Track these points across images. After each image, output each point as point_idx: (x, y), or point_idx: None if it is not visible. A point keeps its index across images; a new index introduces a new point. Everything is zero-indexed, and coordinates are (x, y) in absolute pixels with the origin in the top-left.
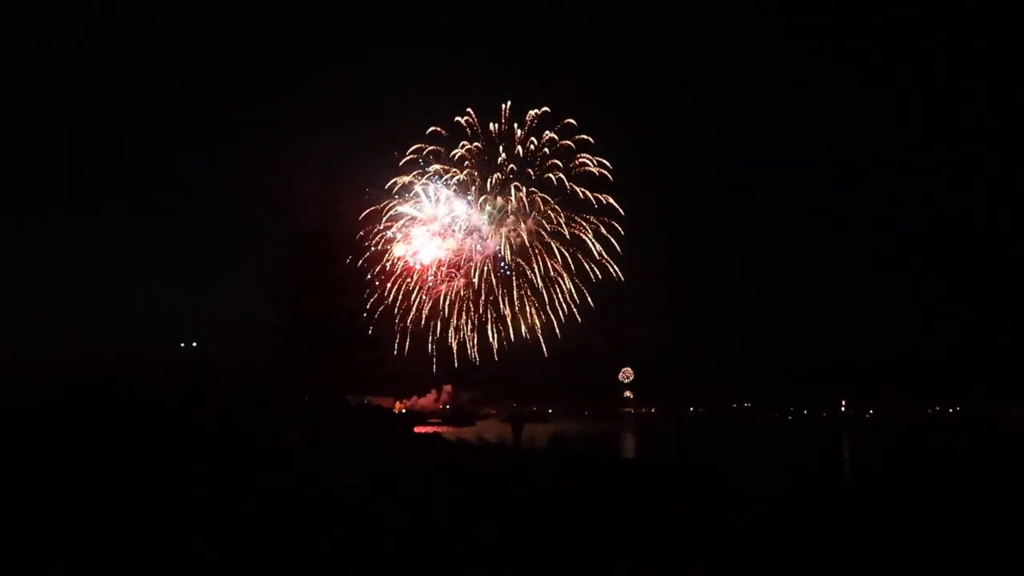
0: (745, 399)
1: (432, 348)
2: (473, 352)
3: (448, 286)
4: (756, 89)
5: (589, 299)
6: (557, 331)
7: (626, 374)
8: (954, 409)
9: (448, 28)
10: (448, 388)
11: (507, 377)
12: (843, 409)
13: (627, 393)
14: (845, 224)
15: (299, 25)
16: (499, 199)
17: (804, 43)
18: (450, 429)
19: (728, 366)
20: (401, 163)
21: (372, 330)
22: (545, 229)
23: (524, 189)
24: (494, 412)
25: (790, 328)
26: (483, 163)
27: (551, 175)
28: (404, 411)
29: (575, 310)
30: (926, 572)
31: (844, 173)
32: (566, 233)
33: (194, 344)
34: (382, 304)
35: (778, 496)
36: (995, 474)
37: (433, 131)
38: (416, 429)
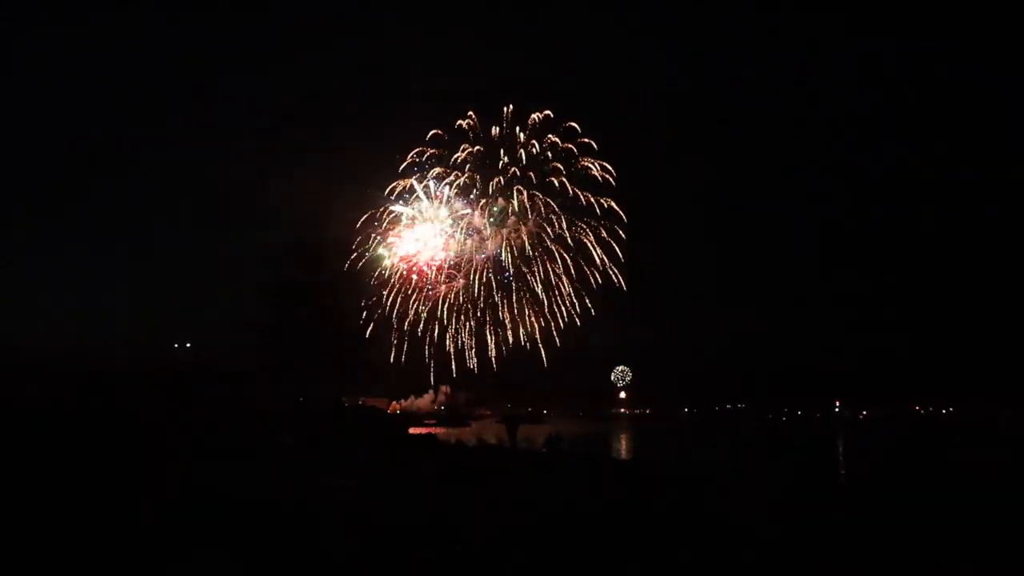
0: (739, 400)
1: (429, 353)
2: (471, 357)
3: (448, 287)
4: (758, 92)
5: (589, 304)
6: (556, 338)
7: (621, 373)
8: (947, 410)
9: (450, 29)
10: (445, 389)
11: (504, 379)
12: (836, 410)
13: (622, 394)
14: (843, 226)
15: (299, 25)
16: (500, 202)
17: (807, 47)
18: (445, 430)
19: (723, 367)
20: (402, 167)
21: (370, 332)
22: (546, 233)
23: (525, 192)
24: (489, 413)
25: (785, 329)
26: (484, 166)
27: (553, 179)
28: (399, 411)
29: (575, 316)
30: (924, 572)
31: (841, 177)
32: (568, 237)
33: (188, 345)
34: (380, 307)
35: (774, 496)
36: (991, 475)
37: (434, 134)
38: (411, 430)
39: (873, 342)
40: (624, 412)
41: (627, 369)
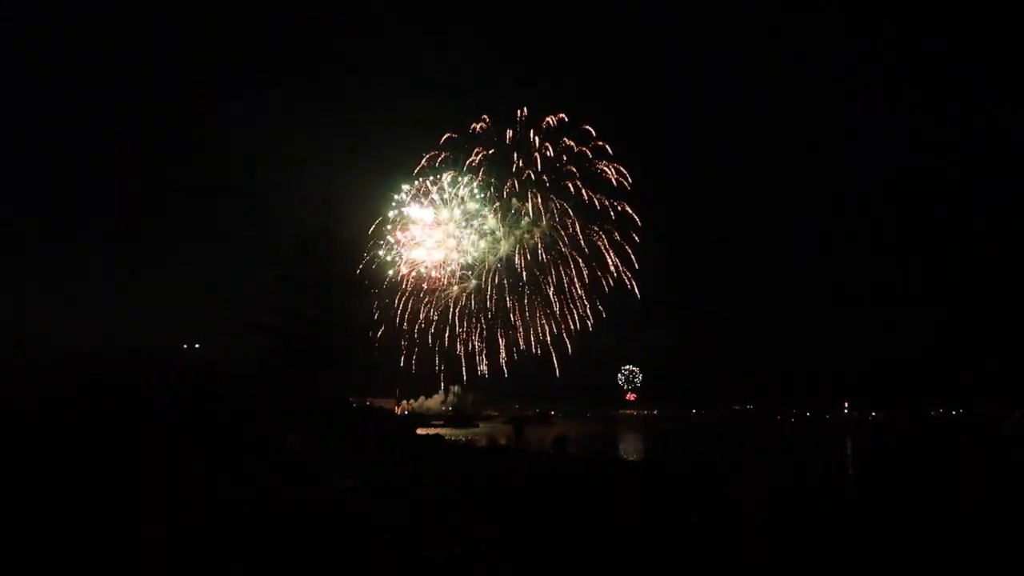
0: (748, 401)
1: (438, 355)
2: (482, 361)
3: (461, 288)
4: (763, 100)
5: (601, 309)
6: (568, 345)
7: (629, 374)
8: (957, 411)
9: (464, 33)
10: (455, 389)
11: (514, 382)
12: (846, 411)
13: (629, 396)
14: (853, 227)
15: (312, 27)
16: (514, 204)
17: (816, 55)
18: (452, 431)
19: (731, 368)
20: (416, 171)
21: (382, 333)
22: (560, 236)
23: (539, 196)
24: (496, 414)
25: (794, 331)
26: (498, 169)
27: (567, 182)
28: (407, 412)
29: (587, 321)
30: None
31: (847, 182)
32: (581, 241)
33: (196, 345)
34: (392, 309)
35: (780, 498)
36: (997, 475)
37: (448, 137)
38: (418, 431)
39: (883, 344)
40: (632, 413)
41: (636, 369)
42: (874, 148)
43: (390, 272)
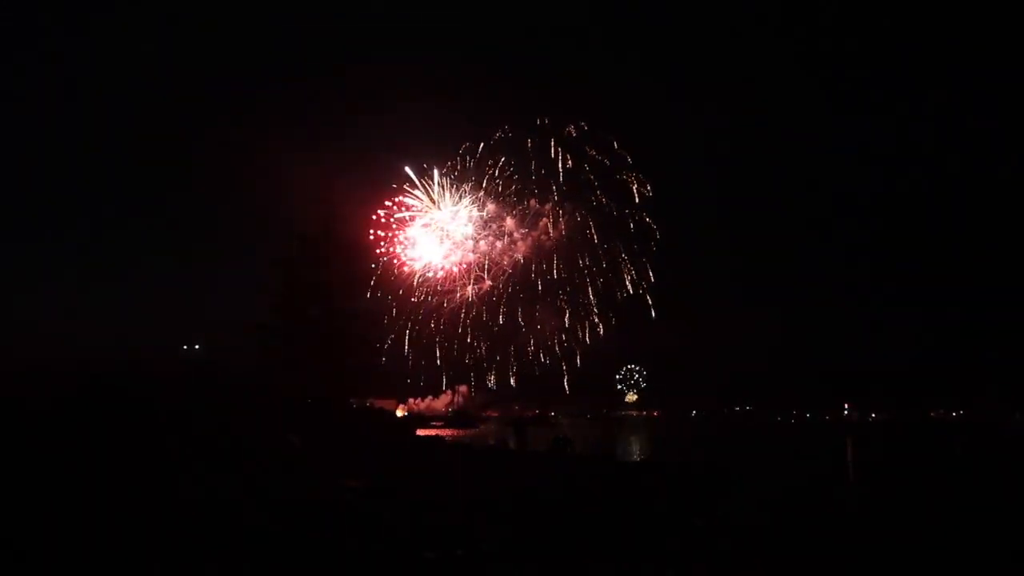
0: (748, 402)
1: (444, 359)
2: (490, 369)
3: (477, 288)
4: (769, 111)
5: (612, 317)
6: (577, 354)
7: (630, 374)
8: (957, 413)
9: (484, 40)
10: (463, 389)
11: (518, 385)
12: (846, 412)
13: (629, 397)
14: (855, 231)
15: (316, 27)
16: (531, 209)
17: (818, 67)
18: (453, 432)
19: (731, 369)
20: (435, 177)
21: (387, 334)
22: (577, 246)
23: (558, 204)
24: (496, 415)
25: (796, 332)
26: (517, 177)
27: (586, 191)
28: (407, 414)
29: (598, 331)
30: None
31: (848, 183)
32: (599, 251)
33: (196, 346)
34: (399, 309)
35: (780, 497)
36: (996, 476)
37: (467, 147)
38: (418, 432)
39: (884, 345)
40: (632, 414)
41: (640, 369)
42: (874, 148)
43: (397, 273)
